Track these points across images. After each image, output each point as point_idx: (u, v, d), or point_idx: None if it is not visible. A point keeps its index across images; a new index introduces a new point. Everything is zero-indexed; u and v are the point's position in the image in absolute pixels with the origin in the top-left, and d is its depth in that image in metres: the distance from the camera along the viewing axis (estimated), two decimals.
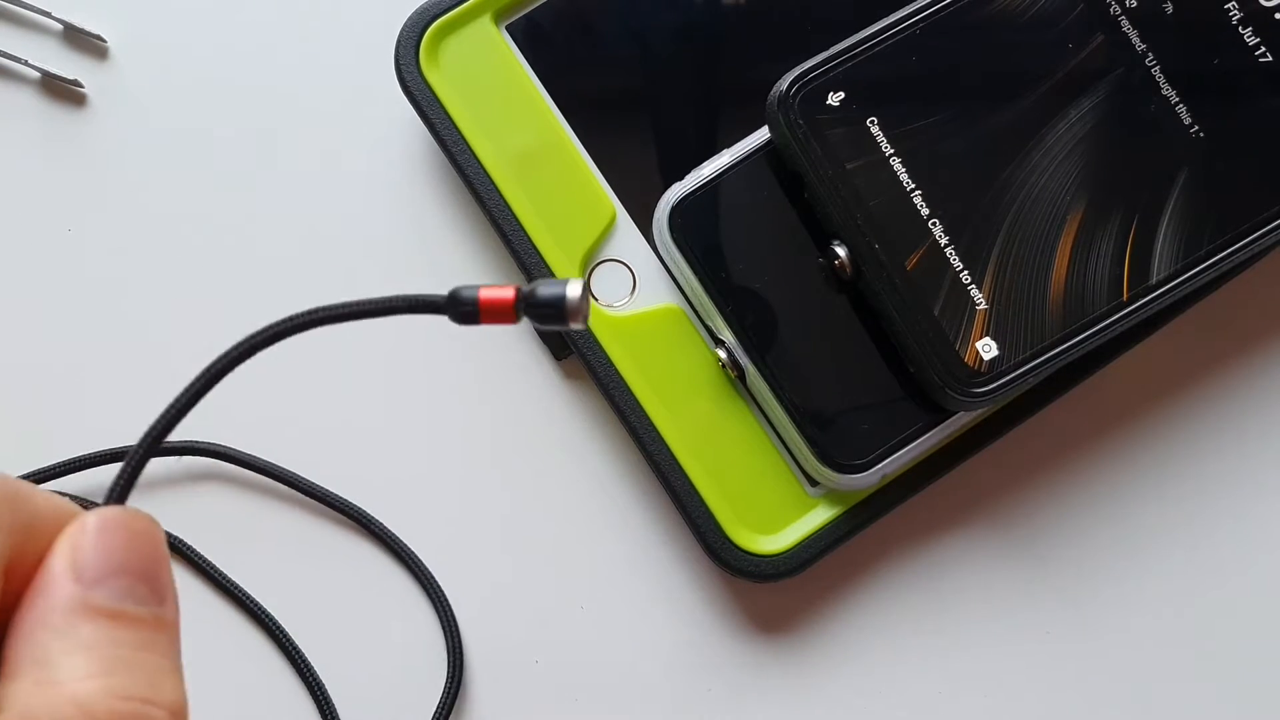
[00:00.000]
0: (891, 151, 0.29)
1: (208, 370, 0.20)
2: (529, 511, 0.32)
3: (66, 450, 0.32)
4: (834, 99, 0.29)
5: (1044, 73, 0.29)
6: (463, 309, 0.22)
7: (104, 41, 0.34)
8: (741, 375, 0.31)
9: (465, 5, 0.32)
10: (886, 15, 0.30)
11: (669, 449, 0.31)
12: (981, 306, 0.29)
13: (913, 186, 0.29)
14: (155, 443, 0.20)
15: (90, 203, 0.33)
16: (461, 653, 0.31)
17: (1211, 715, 0.32)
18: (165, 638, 0.18)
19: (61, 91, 0.34)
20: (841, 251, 0.29)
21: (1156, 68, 0.29)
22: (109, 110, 0.34)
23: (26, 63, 0.33)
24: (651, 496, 0.32)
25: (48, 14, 0.34)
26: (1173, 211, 0.29)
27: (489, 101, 0.32)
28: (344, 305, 0.23)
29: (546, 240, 0.31)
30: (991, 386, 0.28)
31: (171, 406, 0.20)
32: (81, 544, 0.18)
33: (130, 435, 0.32)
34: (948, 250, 0.29)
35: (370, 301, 0.23)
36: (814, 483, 0.31)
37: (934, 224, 0.29)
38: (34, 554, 0.18)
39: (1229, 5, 0.30)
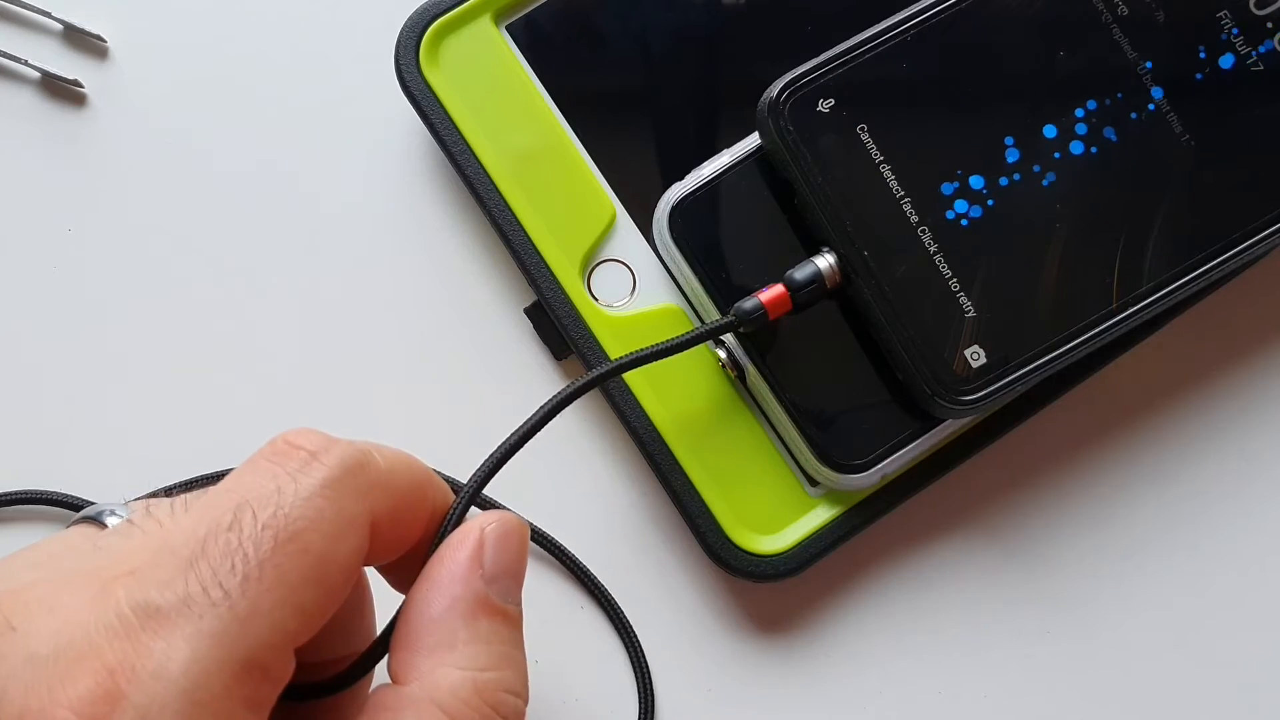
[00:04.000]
0: (881, 159, 0.29)
1: (539, 409, 0.26)
2: (529, 511, 0.32)
3: (66, 449, 0.32)
4: (824, 106, 0.29)
5: (1035, 80, 0.29)
6: (753, 316, 0.28)
7: (104, 41, 0.34)
8: (741, 375, 0.31)
9: (465, 5, 0.32)
10: (881, 20, 0.30)
11: (669, 449, 0.31)
12: (970, 314, 0.29)
13: (902, 194, 0.29)
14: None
15: (90, 203, 0.33)
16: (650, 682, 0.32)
17: (1211, 715, 0.32)
18: (521, 633, 0.22)
19: (61, 91, 0.34)
20: (831, 258, 0.29)
21: (1147, 75, 0.29)
22: (109, 110, 0.34)
23: (26, 63, 0.33)
24: (651, 496, 0.32)
25: (48, 14, 0.34)
26: (1163, 219, 0.29)
27: (489, 101, 0.32)
28: (653, 347, 0.28)
29: (546, 240, 0.31)
30: (980, 395, 0.28)
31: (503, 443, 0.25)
32: (489, 543, 0.22)
33: (133, 434, 0.32)
34: (937, 258, 0.29)
35: (673, 340, 0.28)
36: (814, 483, 0.31)
37: (923, 231, 0.29)
38: (393, 507, 0.21)
39: (1221, 14, 0.30)
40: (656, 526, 0.32)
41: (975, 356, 0.28)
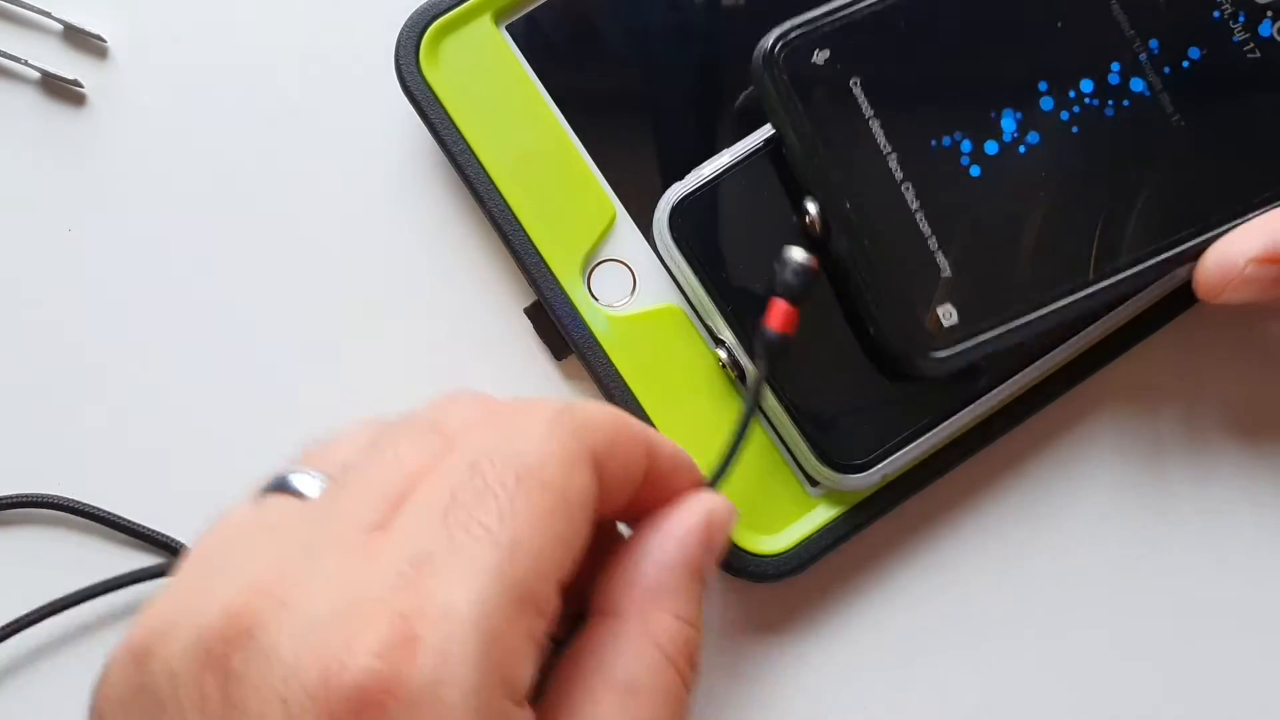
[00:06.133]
0: (872, 114, 0.29)
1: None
2: None
3: (64, 452, 0.32)
4: (819, 57, 0.29)
5: (1031, 50, 0.29)
6: (771, 342, 0.28)
7: (104, 41, 0.34)
8: (741, 375, 0.31)
9: (465, 5, 0.32)
10: None
11: None
12: (946, 274, 0.29)
13: (889, 150, 0.29)
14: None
15: (90, 203, 0.33)
16: None
17: (1213, 714, 0.32)
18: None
19: (61, 91, 0.34)
20: (813, 209, 0.29)
21: (1143, 55, 0.30)
22: (109, 110, 0.34)
23: (26, 63, 0.33)
24: None
25: (48, 14, 0.34)
26: (1147, 197, 0.29)
27: (489, 101, 0.32)
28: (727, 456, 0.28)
29: (546, 240, 0.31)
30: (949, 353, 0.28)
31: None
32: (716, 528, 0.24)
33: (135, 435, 0.32)
34: (918, 215, 0.29)
35: (738, 432, 0.28)
36: (814, 483, 0.31)
37: (907, 188, 0.29)
38: (609, 443, 0.22)
39: None
40: None
41: (948, 315, 0.29)
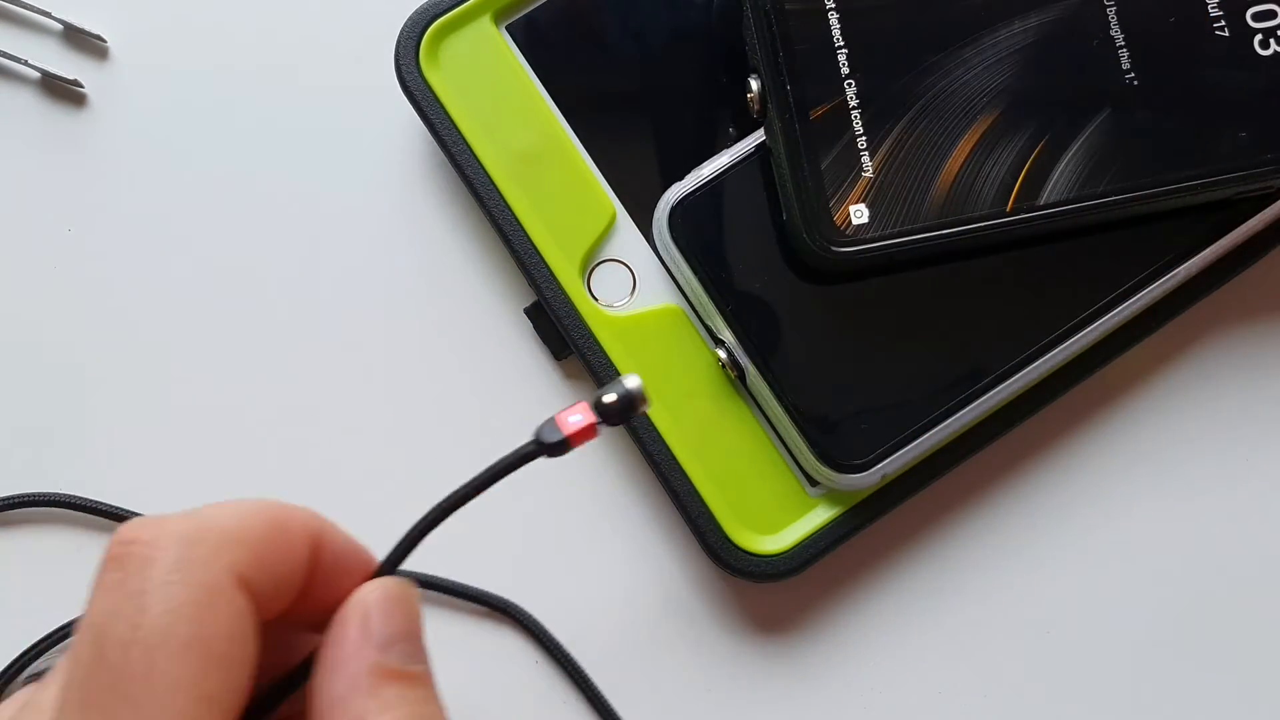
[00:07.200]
0: (832, 5, 0.29)
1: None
2: (528, 511, 0.32)
3: (64, 453, 0.32)
4: None
5: None
6: (553, 446, 0.23)
7: (104, 41, 0.34)
8: (741, 375, 0.31)
9: (465, 5, 0.32)
10: None
11: (669, 449, 0.31)
12: (867, 174, 0.29)
13: (841, 44, 0.29)
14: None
15: (90, 203, 0.33)
16: None
17: (1216, 714, 0.32)
18: (432, 689, 0.21)
19: (61, 91, 0.34)
20: (755, 86, 0.29)
21: (1113, 8, 0.30)
22: (109, 110, 0.34)
23: (26, 63, 0.33)
24: (651, 496, 0.32)
25: (48, 14, 0.34)
26: (1083, 144, 0.29)
27: (489, 101, 0.32)
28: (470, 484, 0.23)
29: (546, 240, 0.31)
30: (850, 250, 0.29)
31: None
32: (372, 614, 0.21)
33: (133, 433, 0.32)
34: (854, 113, 0.29)
35: (482, 475, 0.23)
36: (814, 483, 0.31)
37: (849, 84, 0.29)
38: (255, 556, 0.20)
39: None
40: (656, 526, 0.32)
41: (858, 214, 0.29)
